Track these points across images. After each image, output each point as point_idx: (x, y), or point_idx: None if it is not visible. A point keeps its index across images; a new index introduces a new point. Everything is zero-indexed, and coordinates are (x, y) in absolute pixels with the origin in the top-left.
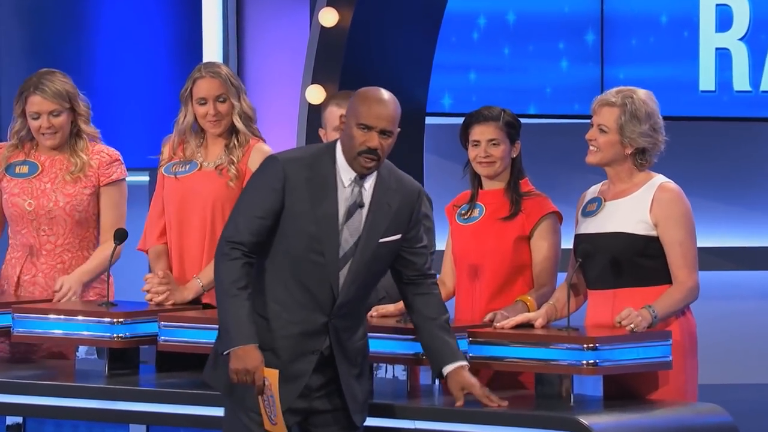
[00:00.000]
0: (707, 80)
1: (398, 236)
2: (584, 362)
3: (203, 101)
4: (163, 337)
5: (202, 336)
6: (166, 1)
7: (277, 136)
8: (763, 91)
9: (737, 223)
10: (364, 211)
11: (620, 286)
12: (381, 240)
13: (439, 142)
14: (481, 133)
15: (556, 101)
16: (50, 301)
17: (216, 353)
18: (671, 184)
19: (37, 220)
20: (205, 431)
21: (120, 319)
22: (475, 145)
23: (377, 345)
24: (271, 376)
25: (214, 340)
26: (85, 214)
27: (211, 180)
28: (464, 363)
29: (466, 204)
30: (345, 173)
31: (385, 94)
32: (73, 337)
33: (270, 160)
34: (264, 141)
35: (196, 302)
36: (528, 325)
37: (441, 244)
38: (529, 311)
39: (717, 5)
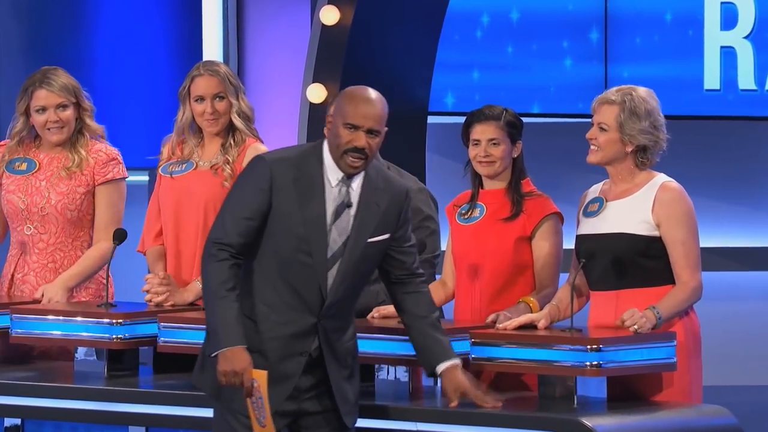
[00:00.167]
0: (712, 79)
1: (387, 236)
2: (588, 363)
3: (201, 99)
4: (162, 339)
5: (201, 337)
6: (165, 0)
7: (278, 135)
8: None
9: (741, 223)
10: (352, 210)
11: (623, 287)
12: (369, 240)
13: (441, 142)
14: (481, 132)
15: (559, 100)
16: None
17: (203, 355)
18: (673, 184)
19: (30, 217)
20: None
21: (119, 320)
22: (476, 144)
23: (379, 346)
24: (260, 377)
25: None
26: (78, 213)
27: (206, 179)
28: (457, 361)
29: (466, 204)
30: (332, 173)
31: (372, 93)
32: (72, 338)
33: (257, 161)
34: (261, 141)
35: (195, 304)
36: (531, 326)
37: (445, 246)
38: (531, 312)
39: (722, 3)
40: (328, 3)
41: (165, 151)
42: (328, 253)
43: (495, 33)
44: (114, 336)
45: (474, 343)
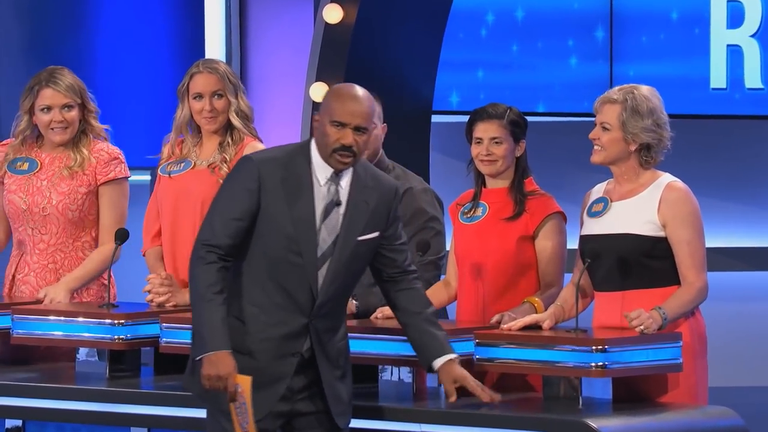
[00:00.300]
0: (718, 77)
1: (376, 234)
2: (593, 364)
3: (199, 97)
4: (164, 339)
5: None
6: None
7: (281, 134)
8: None
9: (748, 222)
10: (342, 209)
11: (628, 287)
12: (359, 238)
13: (445, 141)
14: (484, 130)
15: (565, 99)
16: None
17: (193, 359)
18: (679, 183)
19: (31, 218)
20: None
21: (121, 321)
22: (478, 142)
23: (382, 347)
24: (244, 382)
25: None
26: (79, 213)
27: (204, 179)
28: (454, 356)
29: (469, 203)
30: (321, 171)
31: (359, 90)
32: (74, 338)
33: (244, 161)
34: (260, 140)
35: None
36: (536, 326)
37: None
38: (536, 313)
39: (728, 2)
40: (332, 1)
41: (165, 150)
42: (317, 252)
43: (500, 31)
44: (116, 337)
45: (478, 344)
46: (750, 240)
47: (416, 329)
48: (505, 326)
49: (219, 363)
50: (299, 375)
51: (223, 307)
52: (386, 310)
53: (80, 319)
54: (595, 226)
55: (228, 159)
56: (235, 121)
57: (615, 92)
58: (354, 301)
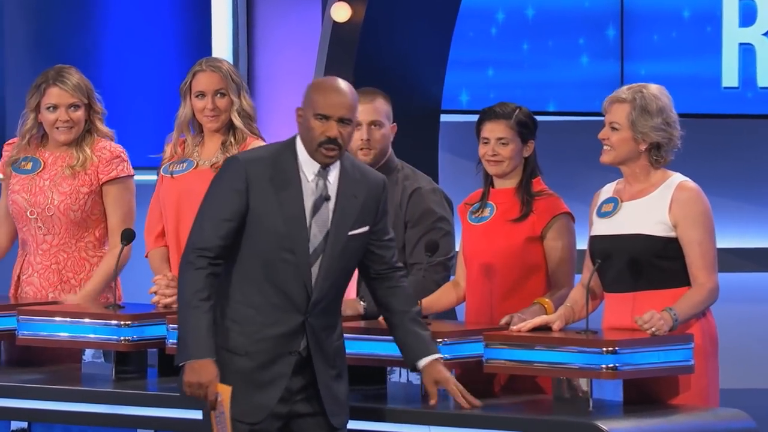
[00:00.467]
0: (730, 76)
1: (366, 228)
2: (603, 366)
3: (202, 95)
4: (171, 341)
5: None
6: None
7: (288, 133)
8: None
9: (759, 223)
10: (331, 204)
11: (639, 288)
12: (350, 233)
13: (454, 140)
14: (490, 130)
15: (576, 98)
16: (55, 303)
17: None
18: (690, 183)
19: (34, 218)
20: None
21: (127, 322)
22: (485, 142)
23: (390, 349)
24: (224, 392)
25: None
26: (81, 213)
27: (207, 179)
28: (438, 356)
29: (477, 203)
30: (308, 167)
31: (341, 82)
32: (80, 339)
33: (231, 161)
34: (263, 140)
35: None
36: (545, 328)
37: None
38: (546, 314)
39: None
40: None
41: (167, 150)
42: (309, 248)
43: (510, 30)
44: (122, 338)
45: (488, 345)
46: (762, 241)
47: (402, 328)
48: (515, 327)
49: (201, 371)
50: (297, 376)
51: (209, 315)
52: None
53: (86, 320)
54: (605, 227)
55: None
56: (237, 120)
57: (624, 91)
58: (362, 303)
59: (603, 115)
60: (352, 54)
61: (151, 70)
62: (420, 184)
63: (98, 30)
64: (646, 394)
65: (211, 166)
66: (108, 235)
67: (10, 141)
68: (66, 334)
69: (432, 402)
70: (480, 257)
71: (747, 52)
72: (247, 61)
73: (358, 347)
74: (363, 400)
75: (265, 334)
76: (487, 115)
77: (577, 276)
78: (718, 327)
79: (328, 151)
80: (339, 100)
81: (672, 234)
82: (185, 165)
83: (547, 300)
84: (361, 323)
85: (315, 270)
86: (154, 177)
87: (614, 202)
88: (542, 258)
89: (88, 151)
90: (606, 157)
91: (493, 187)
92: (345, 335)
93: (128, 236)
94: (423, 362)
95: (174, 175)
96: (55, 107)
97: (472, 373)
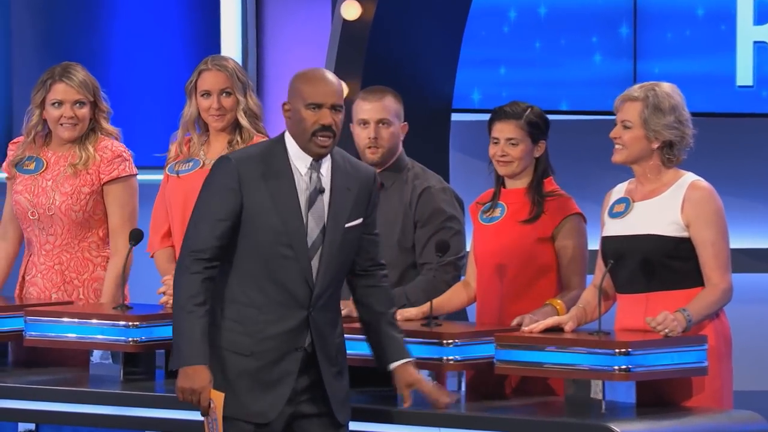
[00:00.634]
0: (745, 75)
1: (361, 220)
2: (616, 368)
3: (207, 94)
4: None
5: None
6: None
7: None
8: None
9: None
10: (326, 196)
11: (652, 289)
12: (347, 225)
13: (466, 140)
14: (500, 130)
15: (588, 97)
16: (62, 303)
17: None
18: (702, 183)
19: (37, 218)
20: None
21: (135, 323)
22: (495, 142)
23: None
24: (217, 398)
25: None
26: (83, 214)
27: None
28: (411, 359)
29: (488, 202)
30: (299, 161)
31: (326, 71)
32: (88, 341)
33: (222, 161)
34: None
35: None
36: (557, 329)
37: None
38: (558, 315)
39: None
40: None
41: (172, 149)
42: (308, 242)
43: (522, 28)
44: (130, 339)
45: (499, 347)
46: None
47: (377, 329)
48: (527, 328)
49: (194, 376)
50: (302, 375)
51: (204, 320)
52: (405, 312)
53: (94, 321)
54: (617, 227)
55: None
56: (243, 120)
57: (636, 90)
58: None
59: (615, 114)
60: (361, 52)
61: (159, 69)
62: (430, 183)
63: (106, 29)
64: (659, 395)
65: None
66: (111, 237)
67: (14, 140)
68: (74, 335)
69: (406, 404)
70: (491, 257)
71: (762, 50)
72: (256, 60)
73: (364, 348)
74: (372, 402)
75: (269, 333)
76: (497, 114)
77: (589, 277)
78: (732, 328)
79: (323, 139)
80: (329, 88)
81: (685, 234)
82: (191, 164)
83: (558, 301)
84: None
85: (315, 263)
86: (159, 176)
87: (626, 202)
88: (553, 258)
89: (91, 149)
90: (618, 156)
91: (504, 187)
92: (350, 335)
93: (137, 236)
94: (395, 365)
95: (180, 175)
96: (60, 103)
97: (483, 375)
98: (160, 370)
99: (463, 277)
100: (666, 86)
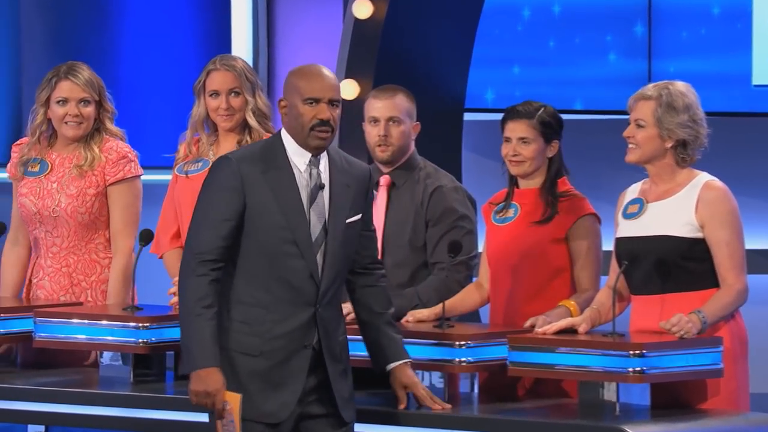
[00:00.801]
0: (761, 74)
1: (360, 216)
2: (630, 370)
3: (216, 94)
4: None
5: None
6: None
7: None
8: None
9: None
10: (326, 192)
11: (668, 291)
12: (348, 220)
13: (479, 139)
14: (512, 129)
15: (603, 96)
16: (72, 305)
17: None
18: (717, 182)
19: (43, 221)
20: None
21: (146, 324)
22: (507, 141)
23: (413, 351)
24: (233, 400)
25: None
26: (89, 215)
27: None
28: (408, 360)
29: (501, 203)
30: (298, 158)
31: (323, 67)
32: (97, 342)
33: (222, 161)
34: None
35: None
36: (571, 330)
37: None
38: (572, 316)
39: None
40: None
41: (181, 149)
42: (312, 237)
43: (536, 27)
44: (140, 340)
45: (512, 348)
46: None
47: (375, 329)
48: (540, 330)
49: (207, 379)
50: (310, 375)
51: (213, 322)
52: (417, 314)
53: (104, 322)
54: (631, 228)
55: None
56: (252, 120)
57: (649, 89)
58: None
59: (629, 114)
60: (373, 51)
61: (169, 68)
62: (441, 182)
63: (115, 27)
64: (674, 398)
65: None
66: (112, 238)
67: (18, 142)
68: (83, 336)
69: (401, 406)
70: (504, 258)
71: None
72: (267, 59)
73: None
74: (379, 404)
75: (277, 332)
76: (509, 114)
77: (603, 278)
78: (748, 329)
79: (321, 133)
80: (326, 82)
81: (699, 235)
82: (200, 165)
83: (572, 302)
84: None
85: (319, 260)
86: (168, 177)
87: (640, 203)
88: (567, 259)
89: (96, 150)
90: (631, 156)
91: (517, 187)
92: (353, 337)
93: (146, 237)
94: (392, 366)
95: (189, 175)
96: (65, 101)
97: (496, 377)
98: (170, 372)
99: (475, 278)
100: (680, 85)
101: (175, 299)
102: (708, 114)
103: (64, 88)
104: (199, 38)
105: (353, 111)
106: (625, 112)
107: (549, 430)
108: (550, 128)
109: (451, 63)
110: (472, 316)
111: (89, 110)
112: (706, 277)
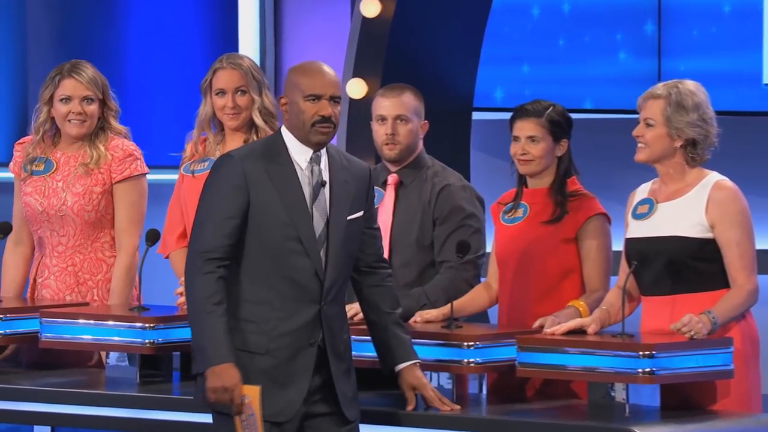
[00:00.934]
0: None
1: (361, 213)
2: (640, 371)
3: (222, 93)
4: None
5: None
6: None
7: None
8: None
9: None
10: (326, 189)
11: (678, 291)
12: (349, 218)
13: (487, 139)
14: (520, 128)
15: (612, 95)
16: (78, 305)
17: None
18: (727, 182)
19: (48, 220)
20: None
21: (152, 324)
22: (516, 140)
23: (421, 352)
24: (252, 393)
25: None
26: (96, 214)
27: None
28: (417, 361)
29: (510, 203)
30: (299, 155)
31: (323, 64)
32: (103, 342)
33: (225, 159)
34: None
35: None
36: (580, 331)
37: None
38: (581, 316)
39: None
40: None
41: (188, 148)
42: (315, 233)
43: (546, 25)
44: (147, 341)
45: (520, 349)
46: None
47: (384, 329)
48: (549, 330)
49: (224, 375)
50: (315, 374)
51: (224, 318)
52: (425, 314)
53: (110, 322)
54: (640, 229)
55: None
56: (258, 119)
57: (659, 87)
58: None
59: (638, 113)
60: (381, 50)
61: (175, 67)
62: (449, 181)
63: (122, 26)
64: (684, 399)
65: None
66: (116, 236)
67: (20, 141)
68: (89, 337)
69: (409, 407)
70: (513, 259)
71: None
72: (275, 58)
73: (373, 349)
74: (387, 405)
75: (283, 330)
76: (518, 113)
77: (613, 278)
78: (759, 330)
79: (323, 129)
80: (327, 79)
81: (709, 235)
82: (206, 164)
83: (581, 303)
84: None
85: (323, 256)
86: (174, 176)
87: (649, 203)
88: (577, 260)
89: (101, 148)
90: (641, 155)
91: (526, 187)
92: (359, 337)
93: (153, 237)
94: (401, 366)
95: (195, 174)
96: (69, 99)
97: (504, 378)
98: (177, 373)
99: (483, 278)
100: (690, 84)
101: (182, 299)
102: (718, 113)
103: (68, 86)
104: (206, 37)
105: (361, 110)
106: (634, 111)
107: (558, 431)
108: (559, 127)
109: (460, 62)
110: (481, 317)
111: (92, 108)
112: (716, 277)
